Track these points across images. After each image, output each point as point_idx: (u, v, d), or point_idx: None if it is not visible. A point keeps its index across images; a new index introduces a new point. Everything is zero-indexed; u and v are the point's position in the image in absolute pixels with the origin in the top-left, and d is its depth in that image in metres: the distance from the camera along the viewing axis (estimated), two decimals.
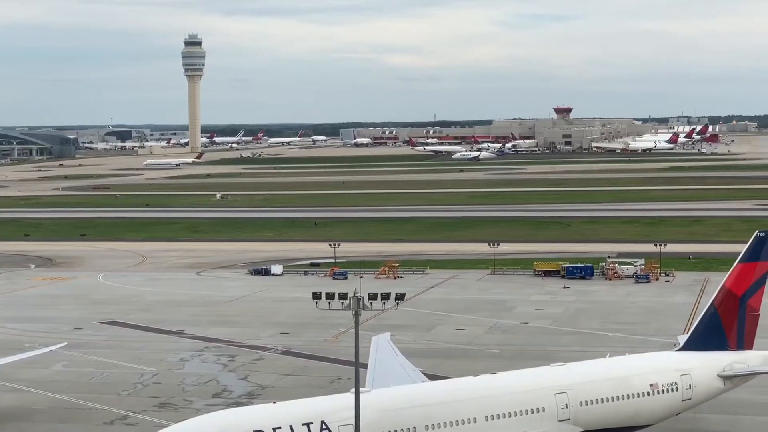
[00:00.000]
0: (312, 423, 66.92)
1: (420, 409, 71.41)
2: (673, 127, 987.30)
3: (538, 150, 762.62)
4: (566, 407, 76.02)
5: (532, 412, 74.76)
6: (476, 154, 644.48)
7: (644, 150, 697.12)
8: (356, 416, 64.41)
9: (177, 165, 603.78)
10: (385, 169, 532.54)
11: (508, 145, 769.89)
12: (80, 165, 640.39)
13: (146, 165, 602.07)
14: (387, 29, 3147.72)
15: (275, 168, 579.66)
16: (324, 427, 67.04)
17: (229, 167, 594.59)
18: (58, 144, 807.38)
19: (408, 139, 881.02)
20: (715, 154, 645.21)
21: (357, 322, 65.17)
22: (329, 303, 66.71)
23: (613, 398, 78.34)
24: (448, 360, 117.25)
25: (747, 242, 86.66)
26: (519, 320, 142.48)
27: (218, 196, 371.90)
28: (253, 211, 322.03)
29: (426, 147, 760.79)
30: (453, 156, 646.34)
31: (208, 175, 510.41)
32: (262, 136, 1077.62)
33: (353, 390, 65.42)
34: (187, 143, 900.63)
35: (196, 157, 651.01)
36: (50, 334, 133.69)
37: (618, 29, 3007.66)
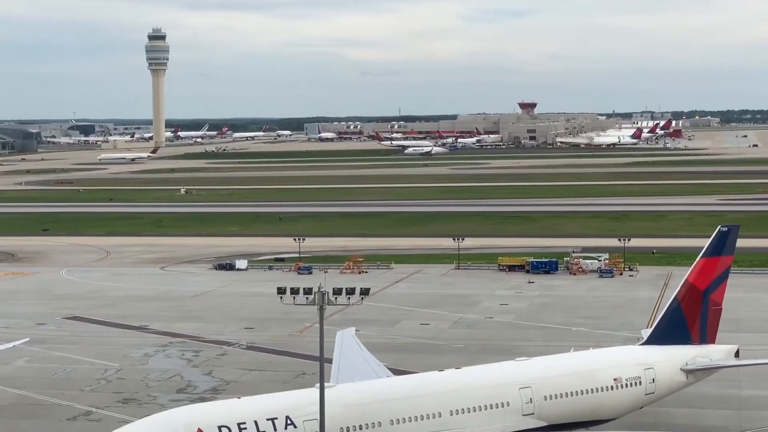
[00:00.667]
0: (277, 418, 66.78)
1: (385, 404, 71.43)
2: (637, 122, 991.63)
3: (503, 145, 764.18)
4: (531, 401, 76.24)
5: (497, 407, 74.93)
6: (428, 149, 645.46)
7: (608, 145, 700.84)
8: (321, 411, 64.36)
9: (132, 159, 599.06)
10: (350, 164, 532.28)
11: (473, 140, 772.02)
12: (43, 159, 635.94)
13: (100, 160, 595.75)
14: (349, 23, 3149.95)
15: (240, 162, 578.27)
16: (289, 422, 66.92)
17: (193, 162, 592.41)
18: (21, 138, 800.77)
19: (375, 133, 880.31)
20: (678, 149, 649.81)
21: (322, 317, 65.10)
22: (294, 298, 66.65)
23: (577, 392, 78.64)
24: (412, 355, 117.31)
25: (710, 237, 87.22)
26: (483, 315, 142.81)
27: (182, 191, 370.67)
28: (217, 205, 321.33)
29: (393, 142, 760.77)
30: (405, 151, 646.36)
31: (173, 170, 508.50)
32: (227, 130, 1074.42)
33: (318, 385, 65.35)
34: (151, 138, 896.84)
35: (152, 152, 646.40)
36: (12, 330, 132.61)
37: (581, 24, 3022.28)
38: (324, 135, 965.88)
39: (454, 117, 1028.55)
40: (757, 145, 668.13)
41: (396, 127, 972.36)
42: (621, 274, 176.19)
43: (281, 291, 67.92)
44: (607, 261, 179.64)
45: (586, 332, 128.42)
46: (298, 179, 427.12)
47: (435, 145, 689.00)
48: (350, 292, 66.19)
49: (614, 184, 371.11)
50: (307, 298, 65.32)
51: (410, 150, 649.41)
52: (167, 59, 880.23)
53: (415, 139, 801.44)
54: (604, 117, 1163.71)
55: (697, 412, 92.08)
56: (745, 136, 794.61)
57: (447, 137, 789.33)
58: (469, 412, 73.58)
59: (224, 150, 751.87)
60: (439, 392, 74.37)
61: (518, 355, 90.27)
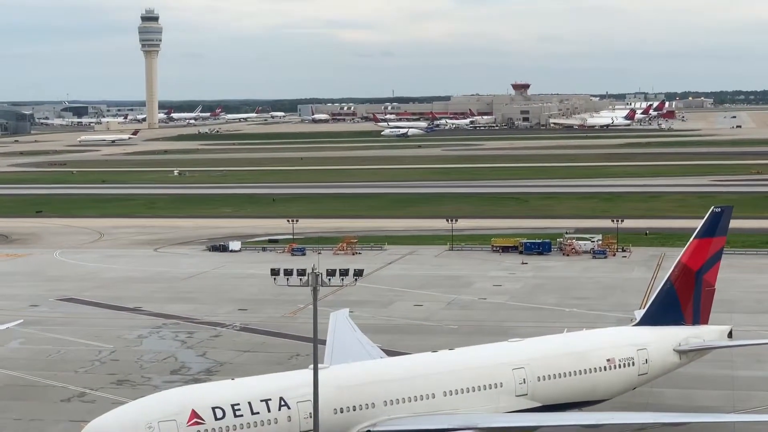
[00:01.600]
0: (270, 399, 66.87)
1: (378, 385, 71.50)
2: (630, 104, 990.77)
3: (496, 126, 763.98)
4: (524, 382, 76.36)
5: (490, 388, 75.04)
6: (405, 131, 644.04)
7: (601, 126, 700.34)
8: (315, 392, 64.37)
9: (113, 141, 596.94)
10: (343, 146, 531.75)
11: (466, 121, 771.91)
12: (36, 141, 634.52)
13: (80, 141, 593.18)
14: (342, 5, 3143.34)
15: (233, 144, 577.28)
16: (282, 403, 67.01)
17: (186, 143, 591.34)
18: (14, 120, 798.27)
19: (372, 115, 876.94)
20: (672, 129, 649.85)
21: (315, 298, 65.03)
22: (287, 279, 66.76)
23: (570, 373, 78.74)
24: (406, 336, 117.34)
25: (703, 218, 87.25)
26: (477, 296, 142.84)
27: (176, 173, 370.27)
28: (211, 187, 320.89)
29: (390, 123, 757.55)
30: (382, 133, 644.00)
31: (166, 152, 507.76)
32: (220, 112, 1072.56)
33: (312, 366, 65.36)
34: (144, 119, 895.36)
35: (132, 134, 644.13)
36: (6, 311, 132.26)
37: (574, 5, 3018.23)
38: (317, 116, 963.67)
39: (447, 98, 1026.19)
40: (740, 126, 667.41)
41: (389, 108, 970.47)
42: (614, 255, 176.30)
43: (275, 272, 68.08)
44: (600, 242, 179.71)
45: (579, 313, 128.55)
46: (291, 160, 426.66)
47: (428, 126, 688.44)
48: (344, 273, 66.29)
49: (607, 165, 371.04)
50: (300, 279, 65.39)
51: (387, 132, 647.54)
52: (160, 40, 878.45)
53: (408, 120, 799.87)
54: (598, 98, 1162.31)
55: (690, 393, 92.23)
56: (734, 117, 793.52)
57: (441, 118, 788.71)
58: (462, 393, 73.68)
59: (217, 131, 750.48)
60: (433, 373, 74.45)
61: (511, 336, 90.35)
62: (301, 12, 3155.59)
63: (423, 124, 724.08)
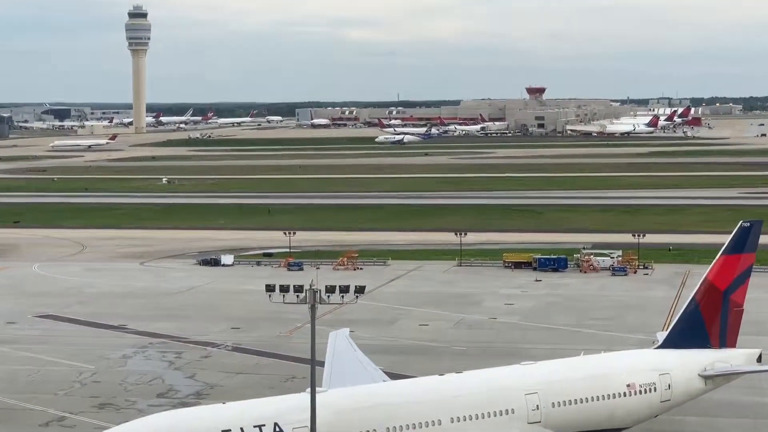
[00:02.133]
0: (264, 425, 66.88)
1: (381, 410, 71.51)
2: (653, 109, 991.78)
3: (509, 133, 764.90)
4: (537, 408, 76.38)
5: (501, 414, 75.06)
6: (400, 137, 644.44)
7: (622, 133, 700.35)
8: (312, 418, 64.41)
9: (89, 147, 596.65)
10: (344, 153, 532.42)
11: (477, 127, 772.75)
12: (14, 146, 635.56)
13: (53, 147, 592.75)
14: (345, 2, 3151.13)
15: (226, 150, 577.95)
16: (277, 429, 67.02)
17: (175, 149, 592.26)
18: None
19: (376, 120, 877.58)
20: (697, 137, 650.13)
21: (313, 317, 65.12)
22: (283, 296, 66.79)
23: (587, 399, 78.75)
24: (411, 357, 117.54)
25: (731, 233, 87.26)
26: (487, 315, 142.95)
27: (164, 181, 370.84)
28: (201, 196, 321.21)
29: (396, 129, 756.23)
30: (376, 140, 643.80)
31: (153, 158, 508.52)
32: (212, 115, 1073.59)
33: (309, 390, 65.40)
34: (131, 123, 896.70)
35: (110, 138, 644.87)
36: None
37: (593, 3, 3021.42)
38: (316, 121, 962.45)
39: (456, 103, 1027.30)
40: (765, 135, 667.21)
41: (394, 113, 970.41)
42: (635, 272, 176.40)
43: (270, 288, 68.07)
44: (620, 258, 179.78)
45: (597, 334, 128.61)
46: (288, 169, 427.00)
47: (425, 133, 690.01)
48: (344, 290, 66.28)
49: (628, 175, 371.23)
50: (297, 296, 65.38)
51: (381, 138, 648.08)
52: (149, 39, 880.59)
53: (414, 126, 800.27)
54: (618, 103, 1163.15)
55: (714, 421, 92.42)
56: (762, 124, 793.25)
57: (449, 124, 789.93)
58: (471, 419, 73.71)
59: (209, 136, 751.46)
60: (439, 398, 74.49)
61: (524, 358, 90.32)
62: (301, 8, 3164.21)
63: (420, 130, 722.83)
